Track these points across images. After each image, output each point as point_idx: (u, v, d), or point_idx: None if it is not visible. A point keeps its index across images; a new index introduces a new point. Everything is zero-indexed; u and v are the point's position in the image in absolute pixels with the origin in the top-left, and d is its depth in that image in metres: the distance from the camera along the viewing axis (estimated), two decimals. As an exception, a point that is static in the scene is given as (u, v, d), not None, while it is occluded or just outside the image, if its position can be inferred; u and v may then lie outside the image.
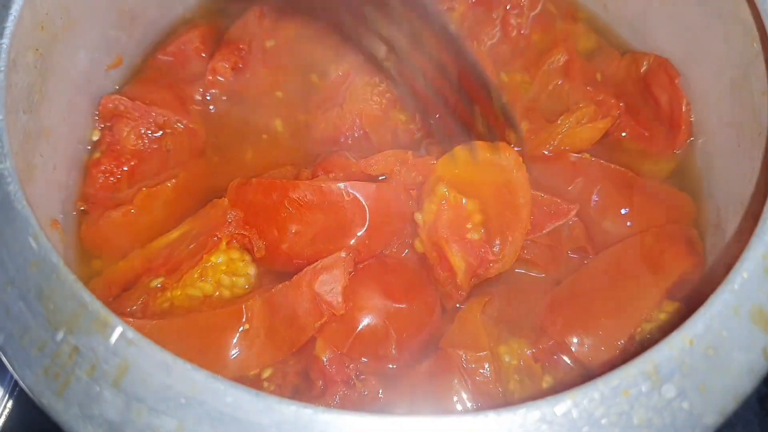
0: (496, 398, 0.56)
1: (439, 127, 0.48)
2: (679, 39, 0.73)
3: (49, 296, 0.43)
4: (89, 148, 0.71)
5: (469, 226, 0.62)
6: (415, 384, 0.57)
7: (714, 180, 0.69)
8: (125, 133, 0.69)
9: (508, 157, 0.62)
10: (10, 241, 0.45)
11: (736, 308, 0.42)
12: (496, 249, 0.61)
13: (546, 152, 0.69)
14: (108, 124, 0.71)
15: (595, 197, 0.67)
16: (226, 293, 0.61)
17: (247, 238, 0.62)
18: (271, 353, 0.57)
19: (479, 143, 0.62)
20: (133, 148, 0.69)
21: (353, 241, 0.61)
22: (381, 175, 0.65)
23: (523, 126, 0.71)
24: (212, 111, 0.75)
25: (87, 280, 0.62)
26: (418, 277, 0.62)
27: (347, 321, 0.58)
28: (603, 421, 0.38)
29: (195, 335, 0.57)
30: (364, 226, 0.61)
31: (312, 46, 0.78)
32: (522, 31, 0.78)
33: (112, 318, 0.41)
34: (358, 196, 0.61)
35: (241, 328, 0.57)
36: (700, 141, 0.72)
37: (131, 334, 0.40)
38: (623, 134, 0.73)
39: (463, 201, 0.62)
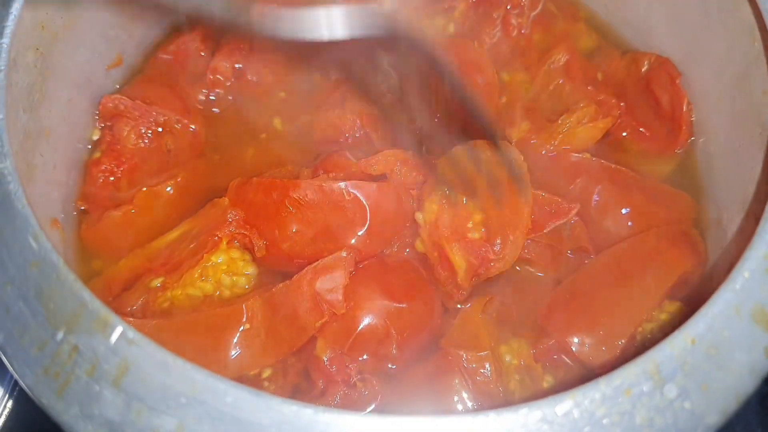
0: (497, 398, 0.56)
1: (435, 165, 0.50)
2: (679, 38, 0.73)
3: (49, 296, 0.43)
4: (89, 147, 0.71)
5: (469, 225, 0.62)
6: (416, 384, 0.57)
7: (715, 179, 0.69)
8: (125, 133, 0.69)
9: (508, 156, 0.61)
10: (10, 240, 0.45)
11: (738, 308, 0.42)
12: (497, 248, 0.61)
13: (547, 152, 0.69)
14: (108, 123, 0.70)
15: (595, 197, 0.67)
16: (227, 293, 0.61)
17: (247, 238, 0.62)
18: (272, 353, 0.57)
19: (480, 142, 0.62)
20: (133, 148, 0.69)
21: (354, 240, 0.61)
22: (381, 175, 0.65)
23: (524, 126, 0.71)
24: (213, 110, 0.75)
25: (87, 280, 0.61)
26: (419, 276, 0.62)
27: (348, 320, 0.58)
28: (604, 421, 0.38)
29: (195, 335, 0.57)
30: (364, 226, 0.61)
31: (313, 46, 0.77)
32: (523, 31, 0.78)
33: (112, 317, 0.41)
34: (358, 195, 0.60)
35: (242, 328, 0.57)
36: (701, 140, 0.72)
37: (131, 333, 0.40)
38: (624, 134, 0.73)
39: (464, 200, 0.62)
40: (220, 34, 0.79)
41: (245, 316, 0.57)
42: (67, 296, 0.42)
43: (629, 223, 0.66)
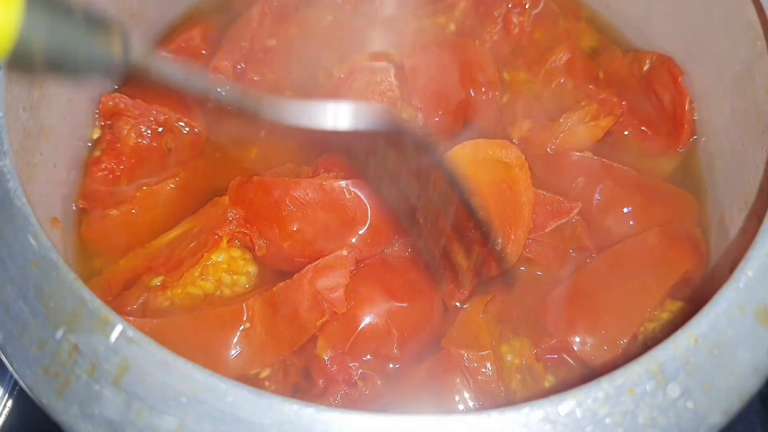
0: (498, 397, 0.56)
1: (434, 262, 0.52)
2: (682, 37, 0.73)
3: (49, 295, 0.42)
4: (89, 146, 0.70)
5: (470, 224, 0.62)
6: (417, 383, 0.57)
7: (717, 178, 0.69)
8: (125, 132, 0.69)
9: (510, 154, 0.61)
10: (9, 239, 0.45)
11: (741, 307, 0.42)
12: (498, 247, 0.61)
13: (548, 150, 0.69)
14: (108, 122, 0.70)
15: (597, 196, 0.67)
16: (227, 292, 0.61)
17: (248, 237, 0.62)
18: (272, 352, 0.57)
19: (481, 141, 0.62)
20: (133, 147, 0.69)
21: (355, 239, 0.61)
22: (382, 174, 0.64)
23: (526, 125, 0.71)
24: (213, 110, 0.75)
25: (87, 279, 0.61)
26: (420, 276, 0.62)
27: (348, 320, 0.58)
28: (607, 421, 0.38)
29: (195, 334, 0.56)
30: (365, 225, 0.61)
31: (313, 45, 0.78)
32: (524, 30, 0.78)
33: (112, 316, 0.41)
34: (359, 194, 0.60)
35: (242, 327, 0.57)
36: (703, 139, 0.72)
37: (132, 332, 0.40)
38: (626, 133, 0.73)
39: (465, 199, 0.61)
40: (221, 33, 0.79)
41: (245, 315, 0.57)
42: (67, 295, 0.42)
43: (631, 222, 0.66)
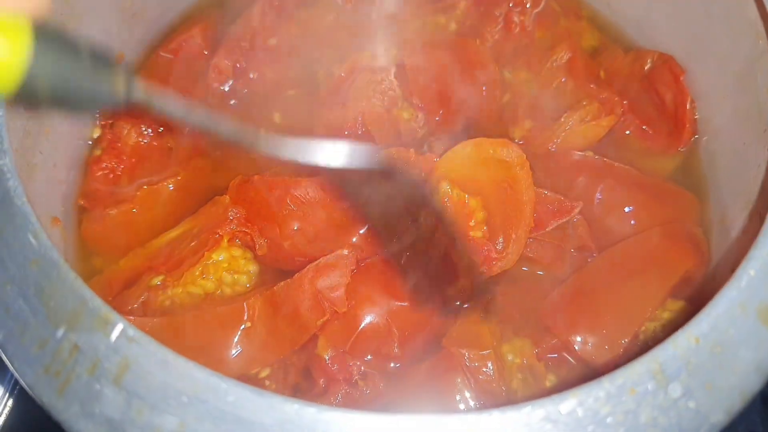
0: (499, 397, 0.56)
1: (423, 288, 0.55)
2: (683, 36, 0.73)
3: (49, 294, 0.42)
4: (90, 144, 0.70)
5: (472, 223, 0.62)
6: (418, 382, 0.57)
7: (719, 178, 0.69)
8: (126, 131, 0.69)
9: (511, 153, 0.61)
10: (10, 238, 0.45)
11: (743, 306, 0.42)
12: (499, 247, 0.61)
13: (550, 150, 0.69)
14: (109, 121, 0.70)
15: (598, 195, 0.67)
16: (228, 291, 0.61)
17: (248, 236, 0.62)
18: (273, 351, 0.57)
19: (482, 140, 0.62)
20: (134, 146, 0.69)
21: (355, 238, 0.61)
22: (383, 173, 0.64)
23: (527, 124, 0.71)
24: (214, 109, 0.75)
25: (87, 278, 0.61)
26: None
27: (349, 319, 0.58)
28: (608, 420, 0.38)
29: (196, 333, 0.56)
30: (366, 224, 0.61)
31: (314, 45, 0.77)
32: (525, 29, 0.77)
33: (113, 315, 0.41)
34: (360, 193, 0.60)
35: (243, 326, 0.57)
36: (704, 139, 0.71)
37: (132, 331, 0.40)
38: (627, 132, 0.73)
39: (466, 198, 0.61)
40: (222, 32, 0.78)
41: (246, 314, 0.57)
42: (67, 294, 0.42)
43: (632, 222, 0.66)
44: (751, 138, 0.63)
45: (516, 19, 0.77)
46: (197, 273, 0.60)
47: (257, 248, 0.62)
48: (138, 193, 0.66)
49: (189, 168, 0.70)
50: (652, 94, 0.74)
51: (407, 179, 0.45)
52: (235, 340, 0.56)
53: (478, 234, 0.61)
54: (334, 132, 0.71)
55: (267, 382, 0.58)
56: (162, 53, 0.78)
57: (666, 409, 0.39)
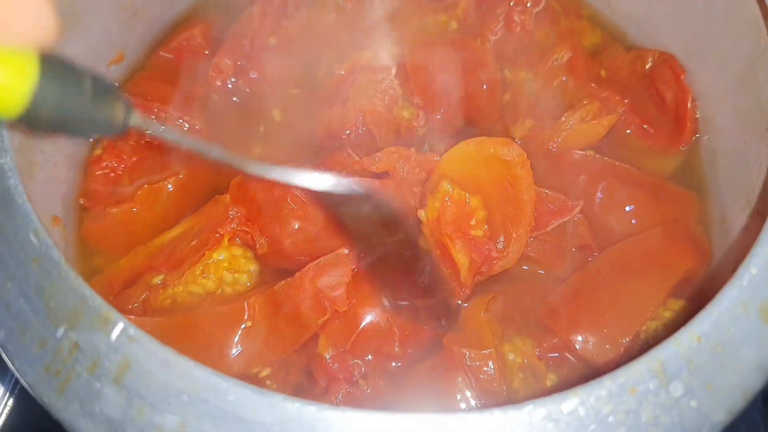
0: (500, 396, 0.56)
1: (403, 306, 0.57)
2: (684, 35, 0.73)
3: (50, 293, 0.42)
4: (90, 144, 0.70)
5: (472, 222, 0.61)
6: (419, 382, 0.57)
7: (720, 177, 0.69)
8: (126, 130, 0.69)
9: (512, 153, 0.61)
10: (10, 237, 0.45)
11: (745, 305, 0.42)
12: (500, 246, 0.61)
13: (550, 149, 0.69)
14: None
15: (599, 194, 0.67)
16: (228, 290, 0.61)
17: (249, 235, 0.62)
18: (274, 350, 0.57)
19: (483, 138, 0.62)
20: (134, 145, 0.69)
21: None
22: (384, 173, 0.64)
23: (528, 123, 0.71)
24: (214, 108, 0.75)
25: (88, 277, 0.61)
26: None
27: (350, 318, 0.57)
28: (610, 419, 0.38)
29: (197, 332, 0.56)
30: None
31: (315, 44, 0.77)
32: (526, 28, 0.77)
33: (113, 314, 0.40)
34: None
35: (243, 326, 0.57)
36: (705, 138, 0.71)
37: (133, 330, 0.40)
38: (628, 131, 0.73)
39: (467, 197, 0.61)
40: (222, 32, 0.78)
41: (246, 313, 0.57)
42: (68, 293, 0.42)
43: (633, 221, 0.66)
44: (752, 137, 0.63)
45: (517, 18, 0.77)
46: (198, 272, 0.60)
47: (258, 247, 0.61)
48: (138, 192, 0.66)
49: (189, 167, 0.70)
50: (652, 93, 0.73)
51: (385, 203, 0.48)
52: (236, 339, 0.56)
53: (479, 233, 0.61)
54: (334, 131, 0.71)
55: (268, 382, 0.58)
56: (162, 53, 0.78)
57: (668, 408, 0.39)
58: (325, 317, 0.57)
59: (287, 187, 0.61)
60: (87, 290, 0.42)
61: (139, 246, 0.63)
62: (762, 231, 0.45)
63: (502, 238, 0.61)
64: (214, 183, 0.67)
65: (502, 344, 0.59)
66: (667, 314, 0.60)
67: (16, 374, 0.42)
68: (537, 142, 0.69)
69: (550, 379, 0.59)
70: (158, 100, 0.70)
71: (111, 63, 0.74)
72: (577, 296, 0.61)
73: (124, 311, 0.52)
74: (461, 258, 0.60)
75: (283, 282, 0.58)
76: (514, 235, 0.61)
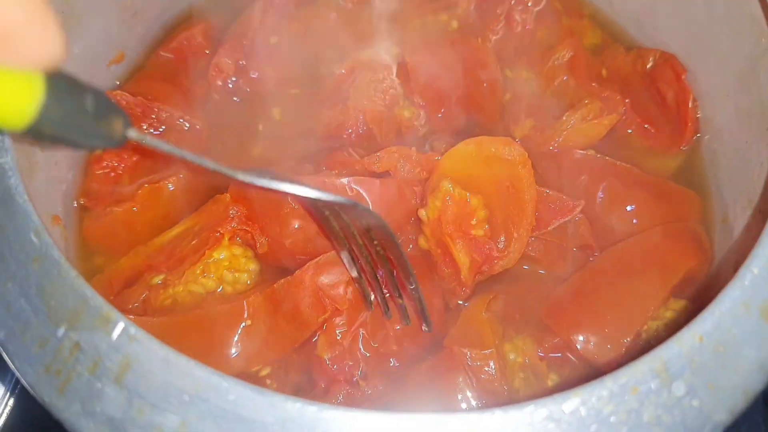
0: (501, 396, 0.56)
1: (369, 296, 0.58)
2: (685, 34, 0.73)
3: (50, 292, 0.42)
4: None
5: (473, 222, 0.61)
6: (420, 382, 0.57)
7: (721, 176, 0.69)
8: (127, 129, 0.69)
9: (513, 152, 0.61)
10: (11, 236, 0.45)
11: (747, 305, 0.42)
12: (500, 245, 0.61)
13: (551, 149, 0.69)
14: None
15: (600, 194, 0.66)
16: (229, 289, 0.61)
17: (249, 234, 0.62)
18: (274, 349, 0.57)
19: (484, 138, 0.62)
20: (134, 145, 0.68)
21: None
22: (385, 172, 0.64)
23: (528, 123, 0.71)
24: (215, 107, 0.75)
25: (89, 277, 0.61)
26: (422, 273, 0.62)
27: (349, 316, 0.57)
28: (612, 419, 0.38)
29: (197, 331, 0.56)
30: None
31: (315, 43, 0.77)
32: (527, 27, 0.77)
33: (114, 314, 0.40)
34: (361, 191, 0.60)
35: (243, 324, 0.56)
36: (706, 137, 0.71)
37: (133, 330, 0.40)
38: (629, 131, 0.73)
39: (468, 197, 0.61)
40: (223, 31, 0.78)
41: (246, 312, 0.57)
42: (68, 293, 0.42)
43: (634, 221, 0.66)
44: (753, 136, 0.63)
45: (518, 17, 0.77)
46: (198, 271, 0.60)
47: (258, 246, 0.61)
48: (139, 191, 0.66)
49: (190, 166, 0.70)
50: (653, 93, 0.73)
51: (369, 213, 0.50)
52: (236, 338, 0.56)
53: (480, 232, 0.61)
54: (335, 130, 0.71)
55: (268, 381, 0.58)
56: (162, 52, 0.78)
57: (670, 408, 0.38)
58: (326, 315, 0.57)
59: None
60: (88, 290, 0.42)
61: (139, 245, 0.63)
62: (764, 231, 0.45)
63: (503, 238, 0.61)
64: (215, 182, 0.67)
65: (503, 344, 0.59)
66: (669, 314, 0.59)
67: (17, 374, 0.42)
68: (538, 141, 0.69)
69: (552, 379, 0.58)
70: (158, 100, 0.70)
71: (111, 63, 0.74)
72: (578, 296, 0.61)
73: (124, 311, 0.52)
74: (462, 257, 0.60)
75: (282, 280, 0.58)
76: (515, 235, 0.61)
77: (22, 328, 0.42)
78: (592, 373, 0.58)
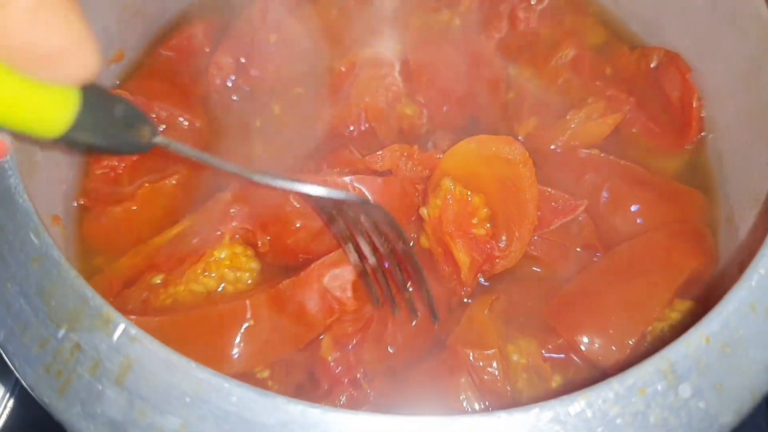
0: (504, 397, 0.55)
1: (377, 292, 0.58)
2: (690, 33, 0.72)
3: (50, 293, 0.42)
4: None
5: (474, 221, 0.61)
6: (422, 383, 0.56)
7: (726, 176, 0.68)
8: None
9: (514, 151, 0.61)
10: (11, 236, 0.44)
11: (753, 305, 0.41)
12: (502, 245, 0.61)
13: (555, 148, 0.68)
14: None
15: (604, 193, 0.66)
16: (230, 288, 0.61)
17: (250, 233, 0.61)
18: (276, 349, 0.57)
19: (485, 137, 0.62)
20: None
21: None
22: (387, 171, 0.64)
23: (532, 121, 0.71)
24: (215, 106, 0.75)
25: (89, 277, 0.61)
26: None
27: (355, 318, 0.57)
28: (618, 421, 0.37)
29: (198, 332, 0.56)
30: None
31: (316, 41, 0.77)
32: (530, 25, 0.77)
33: (114, 314, 0.40)
34: (363, 190, 0.60)
35: (246, 324, 0.56)
36: (711, 136, 0.71)
37: (134, 331, 0.39)
38: (633, 130, 0.72)
39: (469, 195, 0.61)
40: (223, 30, 0.78)
41: (249, 312, 0.56)
42: (68, 293, 0.42)
43: (639, 221, 0.65)
44: (758, 135, 0.63)
45: (521, 15, 0.77)
46: (199, 271, 0.59)
47: (259, 245, 0.61)
48: (139, 191, 0.66)
49: (190, 165, 0.69)
50: (658, 92, 0.73)
51: (376, 210, 0.52)
52: (238, 338, 0.56)
53: (481, 231, 0.61)
54: (336, 128, 0.71)
55: (269, 382, 0.57)
56: (163, 51, 0.78)
57: (676, 410, 0.38)
58: (334, 317, 0.56)
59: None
60: (88, 290, 0.41)
61: (139, 245, 0.62)
62: (770, 231, 0.45)
63: (504, 237, 0.61)
64: (215, 181, 0.67)
65: (506, 345, 0.58)
66: (674, 315, 0.59)
67: (17, 375, 0.42)
68: (541, 140, 0.69)
69: (555, 381, 0.58)
70: (159, 99, 0.70)
71: (111, 61, 0.74)
72: (582, 296, 0.61)
73: (124, 311, 0.51)
74: (462, 256, 0.59)
75: (288, 280, 0.57)
76: (517, 234, 0.60)
77: (22, 328, 0.42)
78: (596, 374, 0.57)
